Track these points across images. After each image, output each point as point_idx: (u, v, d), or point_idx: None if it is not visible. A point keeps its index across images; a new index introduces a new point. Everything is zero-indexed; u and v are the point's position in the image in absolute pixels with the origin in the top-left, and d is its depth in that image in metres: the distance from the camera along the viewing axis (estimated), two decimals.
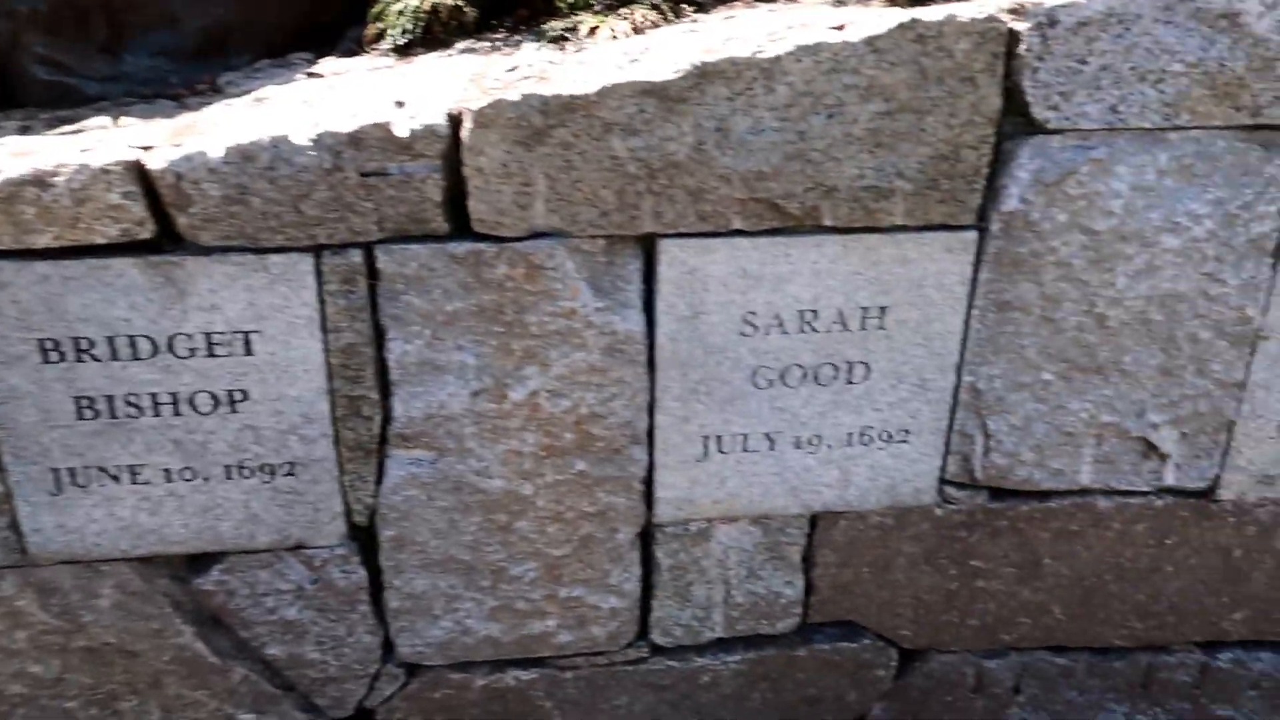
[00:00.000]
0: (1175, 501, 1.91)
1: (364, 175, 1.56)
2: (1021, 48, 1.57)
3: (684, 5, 1.97)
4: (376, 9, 2.05)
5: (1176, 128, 1.63)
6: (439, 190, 1.58)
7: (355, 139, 1.54)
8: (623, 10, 2.00)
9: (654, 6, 1.98)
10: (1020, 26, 1.57)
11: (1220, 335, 1.76)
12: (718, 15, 1.93)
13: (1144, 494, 1.90)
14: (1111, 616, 2.02)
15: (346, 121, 1.56)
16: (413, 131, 1.55)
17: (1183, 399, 1.81)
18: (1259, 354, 1.78)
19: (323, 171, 1.54)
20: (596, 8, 1.99)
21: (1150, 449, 1.85)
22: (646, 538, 1.90)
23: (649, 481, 1.83)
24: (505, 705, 2.00)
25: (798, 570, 1.94)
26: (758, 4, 1.95)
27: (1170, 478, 1.88)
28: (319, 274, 1.62)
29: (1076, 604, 2.00)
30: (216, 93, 1.90)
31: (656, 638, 1.98)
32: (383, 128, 1.54)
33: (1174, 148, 1.64)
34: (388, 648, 1.94)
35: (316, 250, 1.61)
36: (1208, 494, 1.90)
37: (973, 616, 2.01)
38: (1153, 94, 1.60)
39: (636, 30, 1.93)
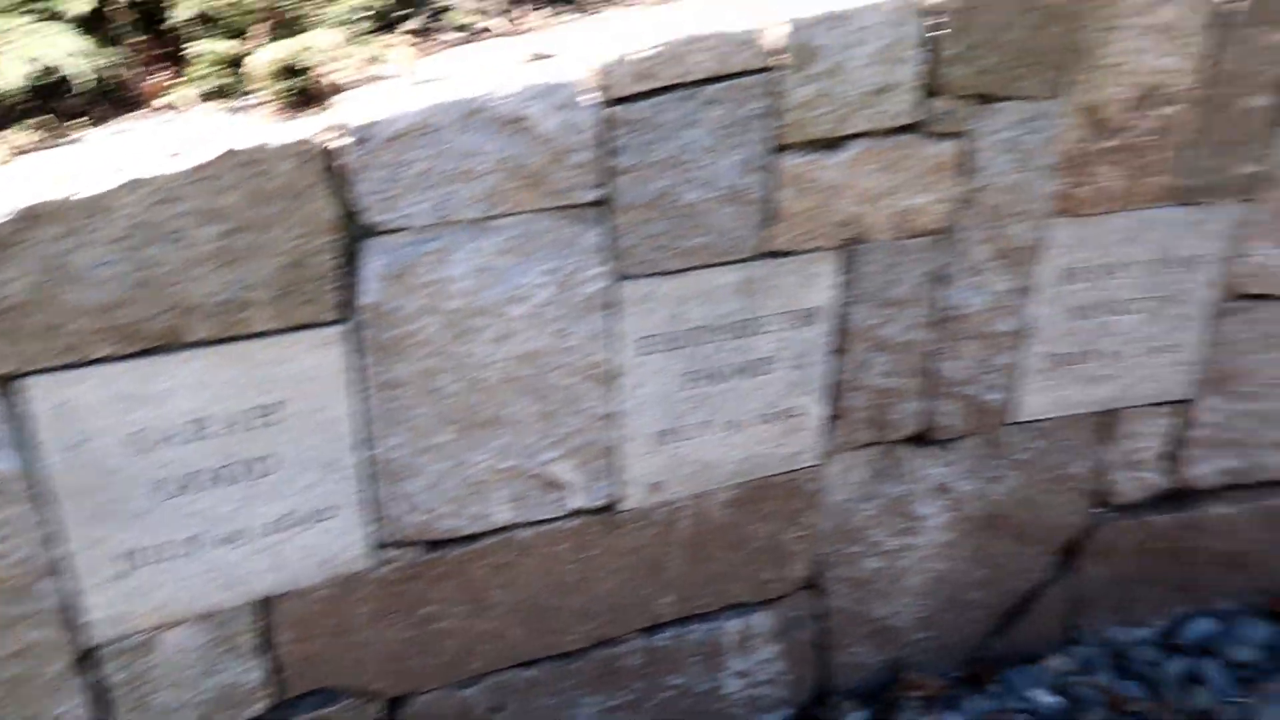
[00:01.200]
0: (587, 520, 2.23)
1: None
2: (345, 162, 1.77)
3: (75, 120, 1.98)
4: None
5: (500, 215, 1.90)
6: None
7: None
8: (5, 132, 1.97)
9: (39, 126, 1.97)
10: (340, 143, 1.76)
11: (584, 379, 2.08)
12: (106, 130, 1.95)
13: (557, 519, 2.20)
14: (562, 625, 2.32)
15: None
16: None
17: (567, 435, 2.12)
18: (621, 387, 2.13)
19: None
20: None
21: (552, 482, 2.15)
22: (93, 659, 1.90)
23: (73, 608, 1.84)
24: None
25: (256, 656, 2.03)
26: (154, 114, 1.99)
27: (576, 501, 2.19)
28: None
29: (529, 622, 2.27)
30: None
31: None
32: None
33: (502, 231, 1.92)
34: None
35: None
36: (611, 508, 2.24)
37: (441, 655, 2.22)
38: (471, 190, 1.86)
39: (19, 152, 1.91)
